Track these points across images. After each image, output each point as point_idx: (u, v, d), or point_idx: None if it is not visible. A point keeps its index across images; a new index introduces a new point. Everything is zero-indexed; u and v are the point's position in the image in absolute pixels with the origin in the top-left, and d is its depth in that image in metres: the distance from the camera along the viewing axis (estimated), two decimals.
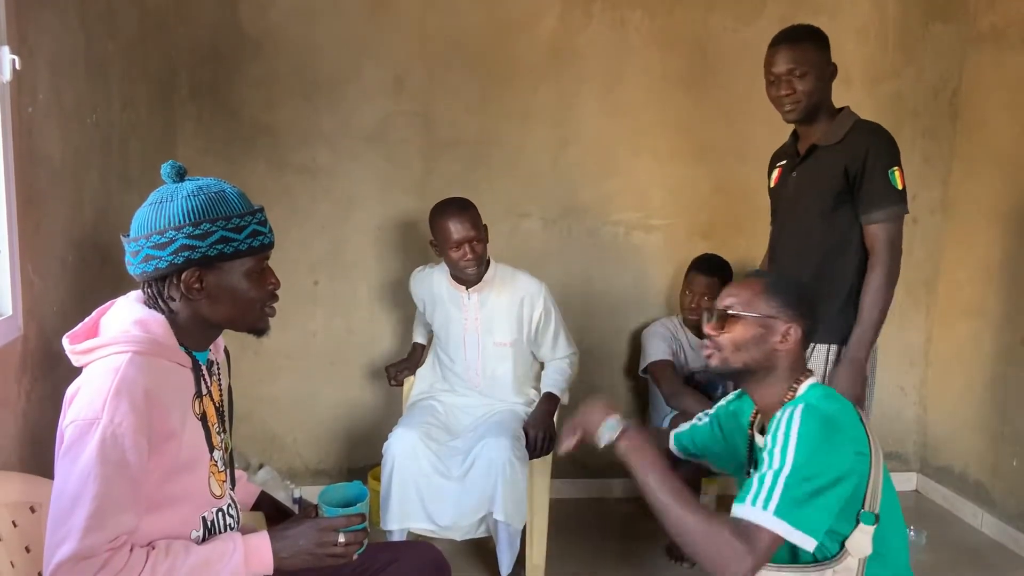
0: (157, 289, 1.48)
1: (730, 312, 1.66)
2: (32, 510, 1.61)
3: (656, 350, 3.25)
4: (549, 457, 2.91)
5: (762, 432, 1.73)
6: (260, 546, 1.48)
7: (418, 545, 1.99)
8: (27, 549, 1.57)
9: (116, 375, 1.35)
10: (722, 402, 1.96)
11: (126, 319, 1.45)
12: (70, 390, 1.40)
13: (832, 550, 1.59)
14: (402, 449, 2.59)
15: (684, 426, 2.02)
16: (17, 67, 1.76)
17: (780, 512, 1.46)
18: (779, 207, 2.53)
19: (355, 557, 1.57)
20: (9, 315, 1.80)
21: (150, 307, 1.49)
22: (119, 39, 2.53)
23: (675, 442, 2.03)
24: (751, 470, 1.78)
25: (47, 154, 2.00)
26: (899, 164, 2.26)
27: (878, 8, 3.43)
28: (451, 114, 3.32)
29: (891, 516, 1.63)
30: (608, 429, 1.69)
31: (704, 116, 3.44)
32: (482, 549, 3.04)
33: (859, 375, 2.24)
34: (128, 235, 1.47)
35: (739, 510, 1.50)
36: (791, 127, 3.46)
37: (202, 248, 1.44)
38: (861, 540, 1.57)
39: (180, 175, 1.49)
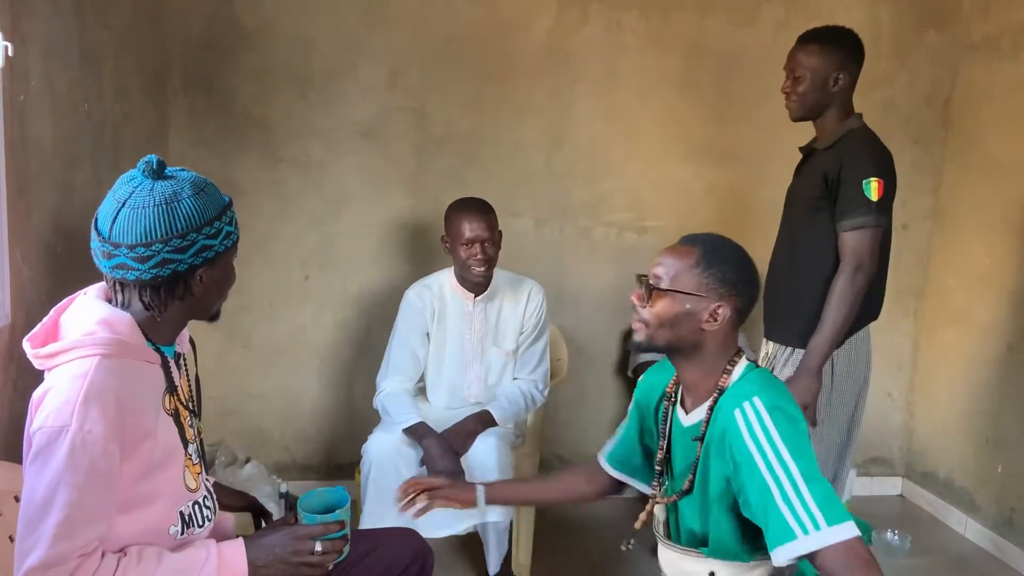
0: (161, 291, 1.42)
1: (657, 287, 1.55)
2: (16, 499, 1.59)
3: None
4: (537, 457, 2.91)
5: (683, 405, 1.64)
6: (234, 554, 1.46)
7: (399, 532, 1.98)
8: (10, 539, 1.56)
9: (84, 381, 1.31)
10: (640, 380, 1.83)
11: (90, 319, 1.40)
12: (36, 395, 1.36)
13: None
14: (379, 454, 2.56)
15: (611, 440, 1.87)
16: (10, 54, 1.75)
17: (832, 519, 1.35)
18: (785, 205, 2.52)
19: (330, 567, 1.55)
20: None
21: (114, 304, 1.44)
22: (113, 28, 2.52)
23: (609, 461, 1.86)
24: (663, 444, 1.67)
25: (38, 142, 1.99)
26: (881, 176, 2.20)
27: (872, 15, 3.45)
28: (445, 111, 3.32)
29: None
30: (480, 497, 1.88)
31: (698, 119, 3.44)
32: (467, 543, 3.04)
33: (812, 383, 2.22)
34: (115, 239, 1.38)
35: (797, 547, 1.35)
36: (781, 131, 3.49)
37: (215, 246, 1.44)
38: None
39: (161, 171, 1.43)
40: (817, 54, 2.29)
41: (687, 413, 1.63)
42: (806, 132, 3.71)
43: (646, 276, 1.59)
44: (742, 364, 1.58)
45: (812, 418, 2.23)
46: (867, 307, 2.30)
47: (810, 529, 1.35)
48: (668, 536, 1.68)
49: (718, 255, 1.56)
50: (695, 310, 1.53)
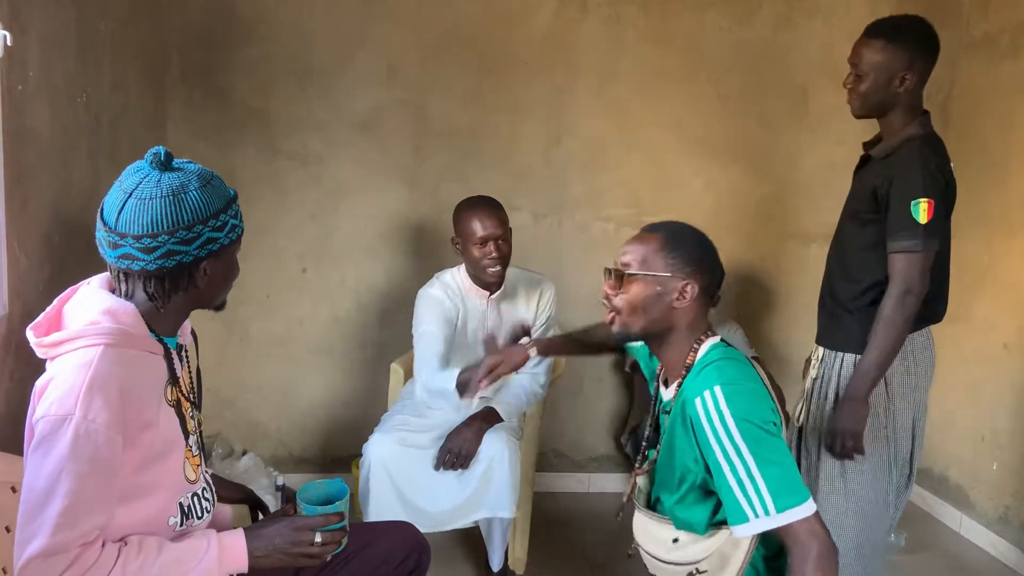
0: (165, 282, 1.43)
1: (627, 272, 1.63)
2: (13, 490, 1.59)
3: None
4: (535, 451, 2.91)
5: (665, 384, 1.73)
6: (234, 544, 1.46)
7: (397, 525, 1.99)
8: (7, 529, 1.56)
9: (88, 370, 1.31)
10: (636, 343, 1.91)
11: (93, 309, 1.40)
12: (39, 383, 1.36)
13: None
14: (379, 454, 2.55)
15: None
16: (8, 43, 1.74)
17: (782, 505, 1.45)
18: (843, 209, 2.36)
19: (328, 558, 1.56)
20: None
21: (117, 294, 1.45)
22: (111, 19, 2.51)
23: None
24: (651, 420, 1.78)
25: (36, 132, 1.98)
26: (931, 195, 2.05)
27: (873, 12, 3.43)
28: (444, 105, 3.31)
29: None
30: (532, 354, 2.13)
31: (697, 114, 3.44)
32: (466, 538, 3.04)
33: (858, 412, 2.14)
34: (121, 229, 1.38)
35: (751, 527, 1.47)
36: (780, 127, 3.50)
37: (221, 239, 1.45)
38: None
39: (169, 163, 1.43)
40: (883, 51, 2.10)
41: (666, 389, 1.73)
42: (805, 132, 3.70)
43: (613, 268, 1.67)
44: (709, 342, 1.65)
45: (860, 446, 2.14)
46: (926, 309, 2.20)
47: (760, 514, 1.46)
48: (647, 504, 1.78)
49: (680, 238, 1.66)
50: (665, 291, 1.62)
